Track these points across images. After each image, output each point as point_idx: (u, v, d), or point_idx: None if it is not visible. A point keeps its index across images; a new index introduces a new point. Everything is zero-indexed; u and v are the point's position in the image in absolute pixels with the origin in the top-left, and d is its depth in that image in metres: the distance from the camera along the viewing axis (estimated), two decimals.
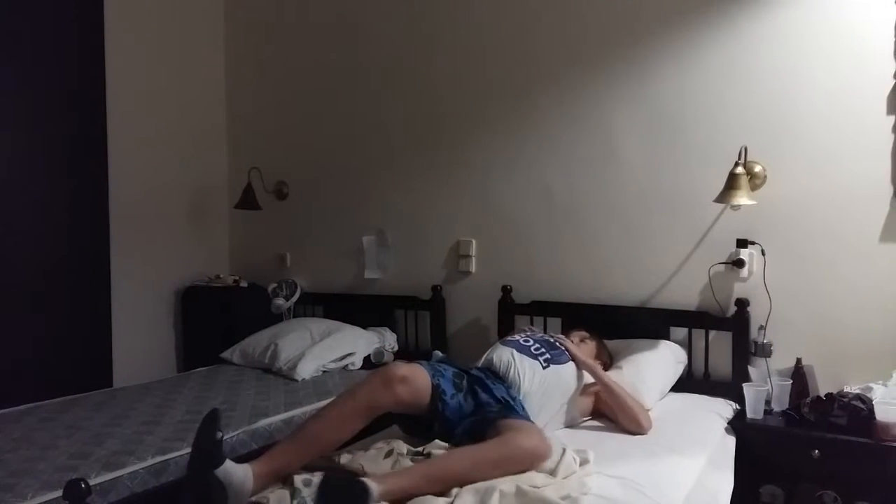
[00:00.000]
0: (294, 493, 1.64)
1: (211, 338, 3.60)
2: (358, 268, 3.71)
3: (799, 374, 2.53)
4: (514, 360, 2.21)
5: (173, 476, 2.06)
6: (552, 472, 1.78)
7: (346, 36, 3.76)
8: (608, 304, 2.97)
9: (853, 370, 2.49)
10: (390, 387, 1.89)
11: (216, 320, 3.72)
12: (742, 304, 2.69)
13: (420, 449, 1.90)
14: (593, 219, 3.06)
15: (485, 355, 2.31)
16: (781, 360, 2.61)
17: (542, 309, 3.10)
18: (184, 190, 3.95)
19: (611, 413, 2.30)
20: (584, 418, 2.35)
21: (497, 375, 2.19)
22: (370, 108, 3.68)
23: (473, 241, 3.37)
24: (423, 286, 3.44)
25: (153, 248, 3.75)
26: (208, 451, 1.60)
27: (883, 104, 2.49)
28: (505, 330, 3.14)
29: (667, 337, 2.79)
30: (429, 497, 1.61)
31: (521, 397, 2.13)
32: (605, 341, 2.68)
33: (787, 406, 2.41)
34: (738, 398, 2.50)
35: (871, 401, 2.21)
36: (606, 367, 2.50)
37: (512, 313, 3.17)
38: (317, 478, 1.67)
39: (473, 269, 3.37)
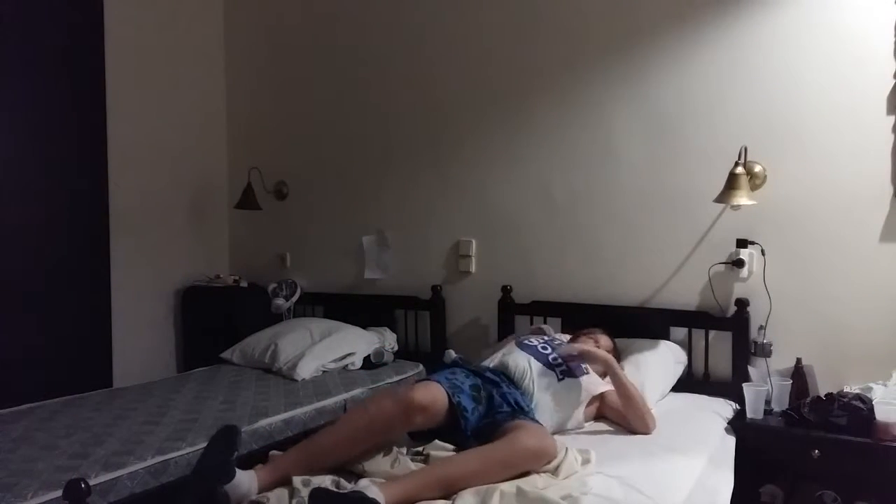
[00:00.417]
0: (293, 492, 1.65)
1: (211, 338, 3.60)
2: (358, 268, 3.71)
3: (799, 374, 2.53)
4: (530, 369, 2.20)
5: (173, 476, 2.06)
6: (554, 472, 1.79)
7: (346, 36, 3.75)
8: (608, 304, 2.97)
9: (853, 370, 2.50)
10: (410, 416, 1.86)
11: (216, 320, 3.72)
12: (742, 304, 2.69)
13: (420, 448, 1.90)
14: (593, 219, 3.06)
15: (500, 355, 2.29)
16: (781, 360, 2.61)
17: (541, 309, 3.09)
18: (184, 190, 3.95)
19: (614, 414, 2.29)
20: (587, 423, 2.34)
21: (510, 379, 2.18)
22: (370, 109, 3.68)
23: (473, 241, 3.37)
24: (423, 286, 3.44)
25: (153, 248, 3.76)
26: (221, 467, 1.60)
27: (883, 104, 2.49)
28: (505, 330, 3.15)
29: (667, 337, 2.79)
30: (433, 502, 1.61)
31: (532, 405, 2.13)
32: None
33: (786, 406, 2.41)
34: (738, 398, 2.50)
35: (871, 401, 2.21)
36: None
37: (512, 313, 3.17)
38: (317, 479, 1.68)
39: (473, 269, 3.37)
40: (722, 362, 2.75)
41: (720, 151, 2.69)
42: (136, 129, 3.64)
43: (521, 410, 2.05)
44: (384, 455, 1.84)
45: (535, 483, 1.70)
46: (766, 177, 2.67)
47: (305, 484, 1.66)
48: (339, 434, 1.85)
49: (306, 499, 1.55)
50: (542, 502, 1.60)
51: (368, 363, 3.24)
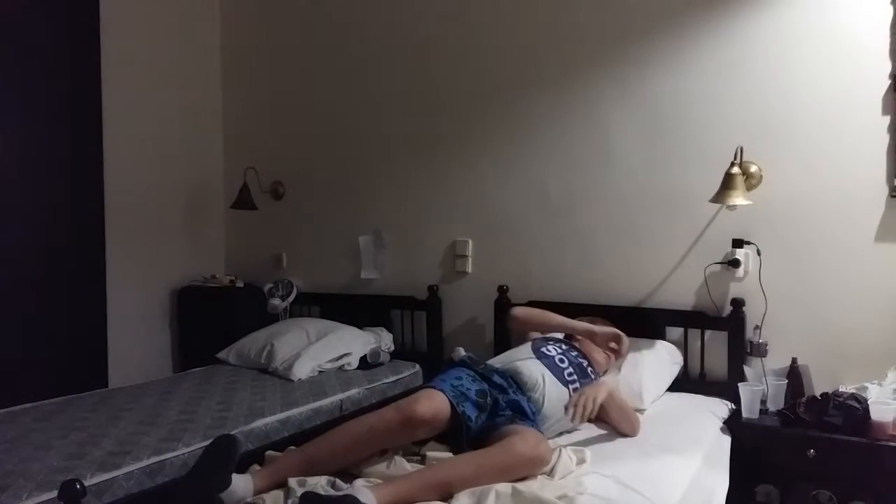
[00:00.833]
0: (289, 492, 1.64)
1: (207, 338, 3.59)
2: (354, 268, 3.71)
3: (794, 374, 2.54)
4: (543, 382, 2.16)
5: (169, 476, 2.05)
6: (550, 473, 1.79)
7: (343, 36, 3.75)
8: (604, 304, 2.96)
9: (848, 370, 2.50)
10: (411, 429, 1.85)
11: (212, 320, 3.71)
12: (738, 303, 2.69)
13: (416, 450, 1.90)
14: (589, 219, 3.06)
15: (513, 359, 2.27)
16: (777, 359, 2.62)
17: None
18: (180, 190, 3.94)
19: (605, 417, 2.26)
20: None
21: (519, 384, 2.16)
22: (367, 108, 3.68)
23: (470, 241, 3.37)
24: (420, 286, 3.44)
25: (149, 248, 3.75)
26: (218, 475, 1.59)
27: (879, 104, 2.49)
28: (501, 330, 3.14)
29: (663, 337, 2.80)
30: None
31: (538, 418, 2.10)
32: None
33: (782, 406, 2.41)
34: (734, 398, 2.51)
35: (867, 400, 2.22)
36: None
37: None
38: (312, 480, 1.68)
39: (470, 269, 3.37)
40: (718, 362, 2.75)
41: (716, 151, 2.69)
42: (132, 128, 3.63)
43: (522, 415, 2.04)
44: (380, 456, 1.84)
45: (531, 483, 1.70)
46: (761, 177, 2.68)
47: (301, 484, 1.66)
48: (339, 442, 1.84)
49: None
50: (537, 502, 1.60)
51: (365, 363, 3.24)
